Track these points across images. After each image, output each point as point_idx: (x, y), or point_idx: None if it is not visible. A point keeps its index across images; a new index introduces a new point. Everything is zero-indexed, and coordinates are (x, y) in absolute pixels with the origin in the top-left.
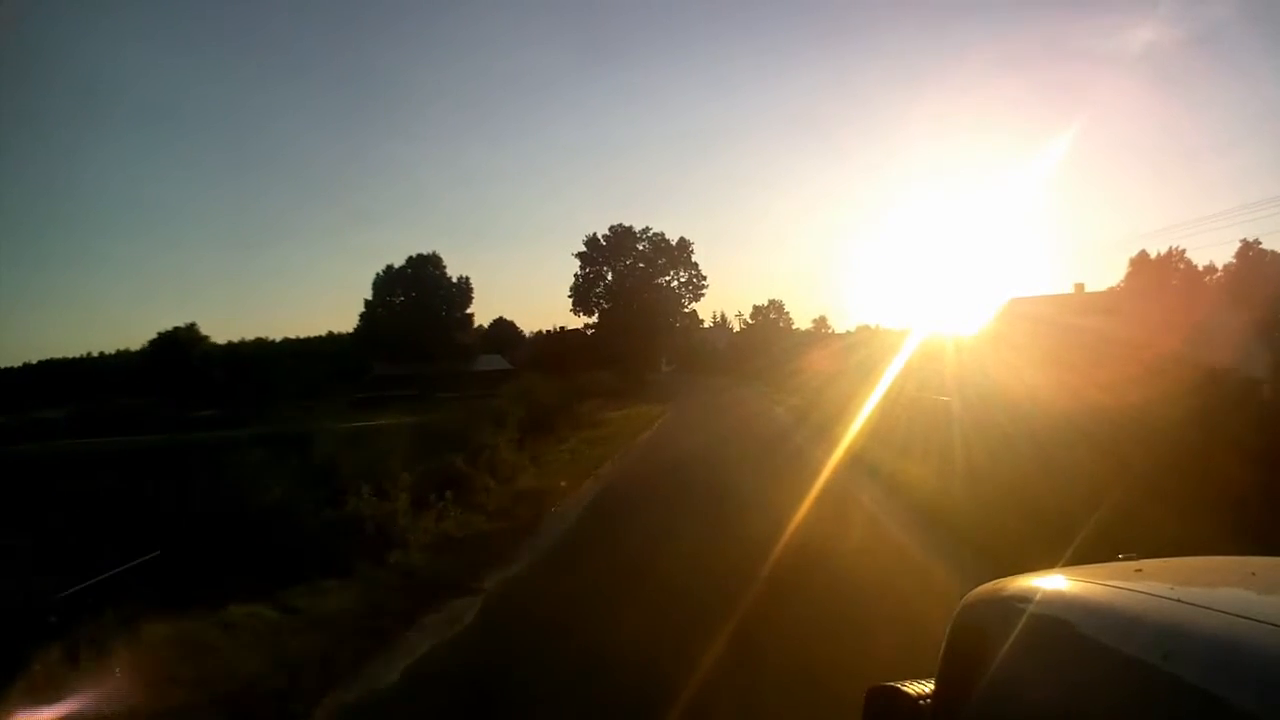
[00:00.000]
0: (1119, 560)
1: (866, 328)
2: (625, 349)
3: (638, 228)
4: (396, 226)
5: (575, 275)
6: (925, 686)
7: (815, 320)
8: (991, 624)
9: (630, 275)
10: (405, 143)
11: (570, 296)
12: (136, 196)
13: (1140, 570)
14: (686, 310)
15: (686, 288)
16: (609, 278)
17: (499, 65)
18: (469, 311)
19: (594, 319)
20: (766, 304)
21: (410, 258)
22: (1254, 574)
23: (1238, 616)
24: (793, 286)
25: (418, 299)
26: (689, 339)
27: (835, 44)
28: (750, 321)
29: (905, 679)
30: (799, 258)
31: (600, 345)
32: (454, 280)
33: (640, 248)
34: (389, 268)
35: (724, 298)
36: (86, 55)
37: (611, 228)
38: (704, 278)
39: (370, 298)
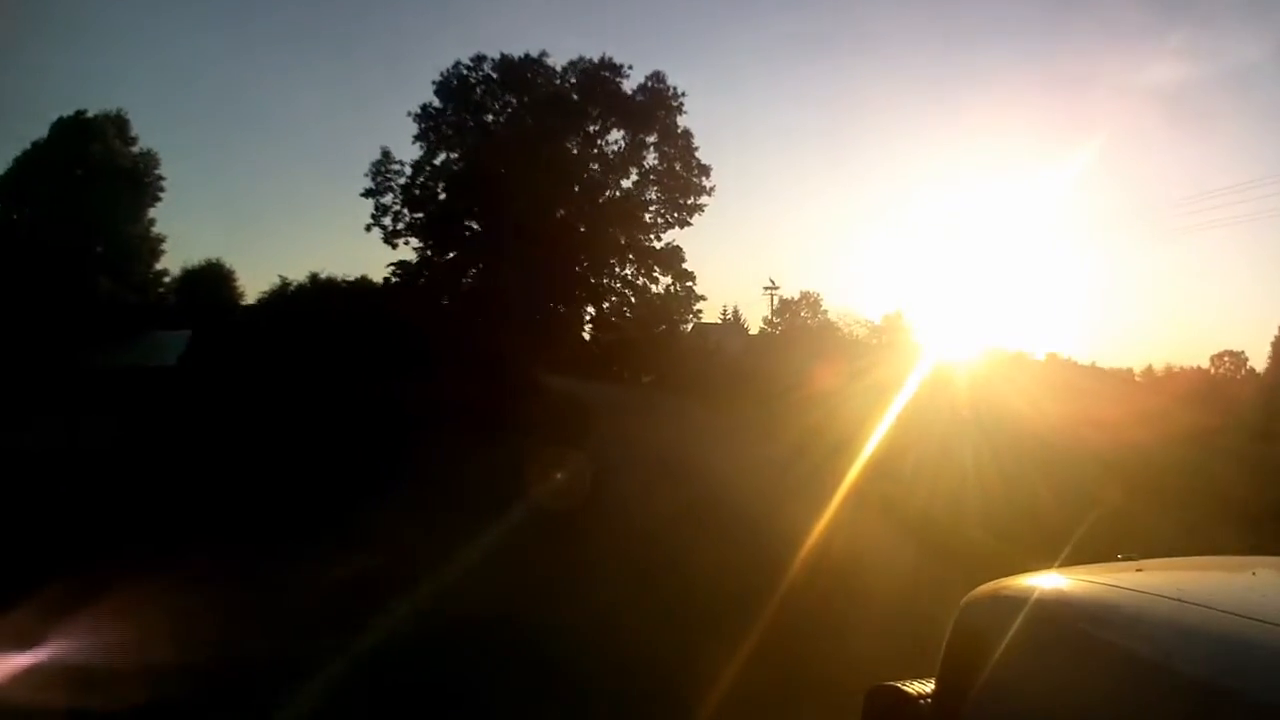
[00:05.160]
0: (1119, 560)
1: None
2: (498, 325)
3: (560, 64)
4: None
5: (409, 164)
6: (926, 686)
7: (886, 318)
8: (992, 623)
9: (522, 141)
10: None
11: (371, 196)
12: None
13: (1141, 570)
14: (660, 246)
15: (662, 188)
16: (477, 141)
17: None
18: (155, 233)
19: (428, 246)
20: (798, 297)
21: (59, 122)
22: (1255, 574)
23: (1238, 616)
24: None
25: (43, 209)
26: (674, 333)
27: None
28: (775, 321)
29: (906, 679)
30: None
31: (442, 313)
32: (132, 159)
33: (556, 88)
34: (35, 144)
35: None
36: None
37: (503, 55)
38: (705, 170)
39: None
